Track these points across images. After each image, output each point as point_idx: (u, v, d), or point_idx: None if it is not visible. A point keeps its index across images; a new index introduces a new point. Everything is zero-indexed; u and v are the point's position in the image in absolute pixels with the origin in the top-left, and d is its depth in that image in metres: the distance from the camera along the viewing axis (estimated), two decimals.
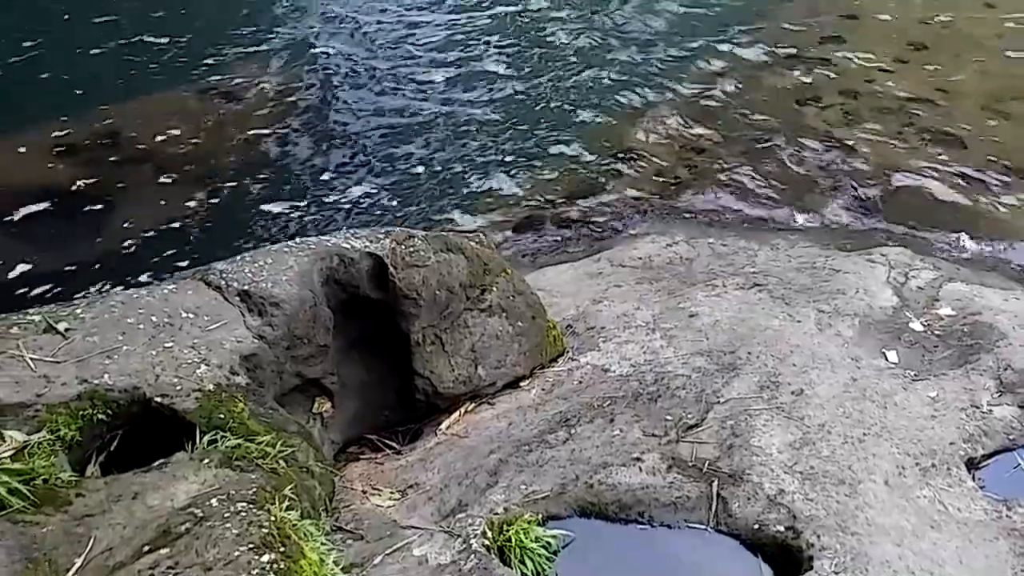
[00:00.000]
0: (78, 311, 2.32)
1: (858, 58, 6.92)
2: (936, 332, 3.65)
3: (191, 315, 2.45)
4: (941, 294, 3.99)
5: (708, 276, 4.33)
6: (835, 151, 5.77)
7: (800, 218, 5.24)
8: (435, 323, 3.20)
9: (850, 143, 5.84)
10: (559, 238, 5.30)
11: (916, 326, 3.72)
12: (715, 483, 2.68)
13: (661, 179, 5.70)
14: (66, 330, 2.22)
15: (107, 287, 4.59)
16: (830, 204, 5.32)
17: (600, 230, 5.35)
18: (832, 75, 6.72)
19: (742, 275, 4.27)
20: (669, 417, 3.01)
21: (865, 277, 4.13)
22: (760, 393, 3.14)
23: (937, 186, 5.35)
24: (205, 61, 7.23)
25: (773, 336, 3.56)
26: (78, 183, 5.60)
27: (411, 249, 3.14)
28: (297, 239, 2.98)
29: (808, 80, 6.70)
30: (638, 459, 2.80)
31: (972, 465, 2.92)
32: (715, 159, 5.81)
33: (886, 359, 3.49)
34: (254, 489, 1.95)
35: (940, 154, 5.65)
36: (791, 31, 7.50)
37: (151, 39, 7.56)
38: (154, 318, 2.36)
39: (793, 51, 7.13)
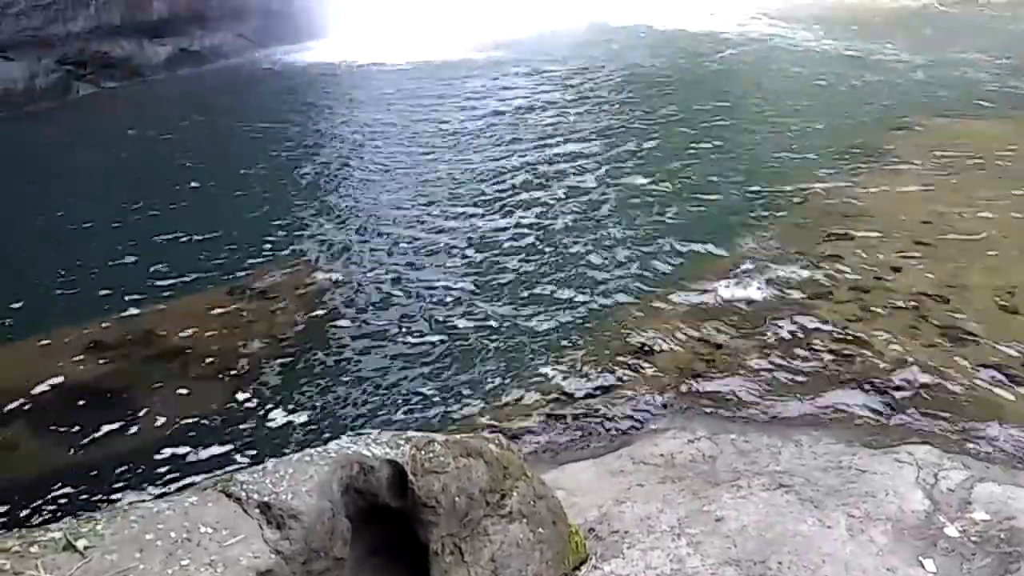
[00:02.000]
0: (98, 527, 2.31)
1: (866, 255, 7.14)
2: (972, 538, 3.52)
3: (210, 529, 2.43)
4: (973, 496, 3.88)
5: (732, 476, 4.25)
6: (852, 346, 5.82)
7: (821, 414, 5.20)
8: (454, 531, 3.13)
9: (866, 338, 5.90)
10: (580, 433, 5.27)
11: (951, 531, 3.59)
12: None
13: (679, 374, 5.73)
14: (85, 548, 2.20)
15: (130, 486, 4.58)
16: (851, 399, 5.29)
17: (621, 425, 5.32)
18: (841, 271, 6.91)
19: (767, 475, 4.20)
20: None
21: (893, 477, 4.04)
22: None
23: (956, 380, 5.33)
24: (235, 260, 7.60)
25: (803, 544, 3.44)
26: (106, 381, 5.73)
27: (430, 455, 3.14)
28: (319, 447, 2.99)
29: (818, 276, 6.88)
30: None
31: None
32: (732, 354, 5.86)
33: (923, 568, 3.35)
34: None
35: (956, 349, 5.68)
36: (796, 229, 7.80)
37: (185, 239, 7.99)
38: (173, 534, 2.34)
39: (801, 248, 7.38)
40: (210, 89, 13.40)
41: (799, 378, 5.54)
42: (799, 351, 5.86)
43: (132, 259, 7.64)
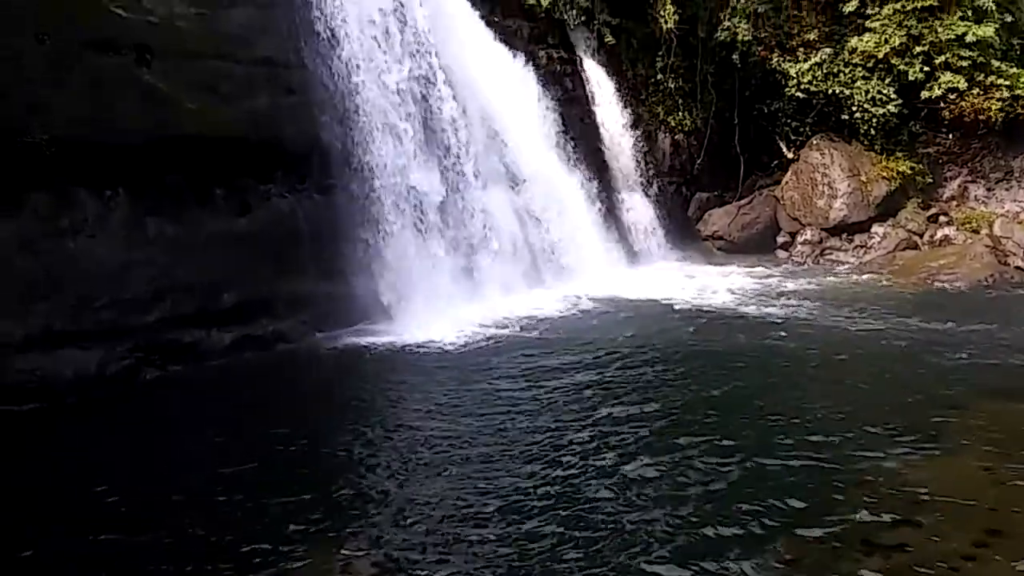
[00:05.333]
0: None
1: (936, 544, 6.80)
2: None
3: None
4: None
5: None
6: None
7: None
8: None
9: None
10: None
11: None
12: None
13: None
14: None
15: None
16: None
17: None
18: (912, 563, 6.54)
19: None
20: None
21: None
22: None
23: None
24: (274, 553, 7.33)
25: None
26: None
27: None
28: None
29: (888, 568, 6.50)
30: None
31: None
32: None
33: None
34: None
35: None
36: (858, 520, 7.42)
37: (227, 533, 7.80)
38: None
39: (867, 539, 7.04)
40: (271, 374, 13.89)
41: None
42: None
43: (160, 553, 7.43)
